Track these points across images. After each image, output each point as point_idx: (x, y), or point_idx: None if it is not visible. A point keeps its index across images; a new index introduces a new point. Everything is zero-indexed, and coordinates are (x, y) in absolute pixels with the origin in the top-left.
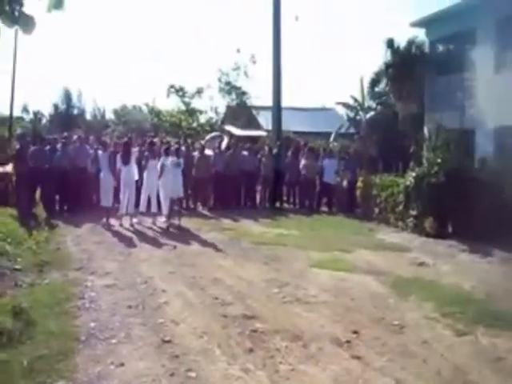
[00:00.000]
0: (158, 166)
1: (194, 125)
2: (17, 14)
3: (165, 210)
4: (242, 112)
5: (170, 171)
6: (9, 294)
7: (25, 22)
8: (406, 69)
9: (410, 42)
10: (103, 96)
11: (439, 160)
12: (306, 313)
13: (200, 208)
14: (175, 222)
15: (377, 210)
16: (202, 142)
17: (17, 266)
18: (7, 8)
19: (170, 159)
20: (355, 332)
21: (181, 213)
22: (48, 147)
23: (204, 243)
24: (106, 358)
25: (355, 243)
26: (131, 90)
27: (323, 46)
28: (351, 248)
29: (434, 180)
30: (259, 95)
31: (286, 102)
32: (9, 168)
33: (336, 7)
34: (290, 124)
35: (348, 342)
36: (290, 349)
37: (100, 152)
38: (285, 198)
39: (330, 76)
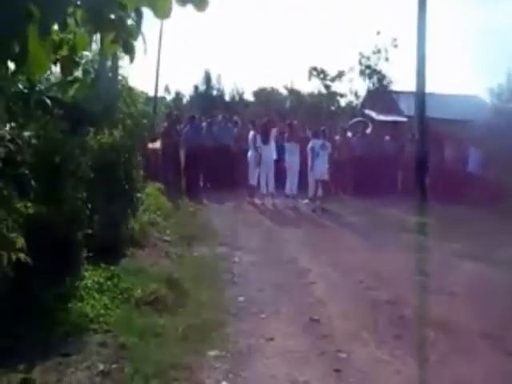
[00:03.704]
0: (308, 149)
1: (334, 108)
2: None
3: (310, 191)
4: (382, 96)
5: (317, 154)
6: (161, 264)
7: (198, 0)
8: None
9: None
10: (242, 78)
11: None
12: (454, 303)
13: (340, 191)
14: (318, 204)
15: None
16: (345, 126)
17: (166, 238)
18: None
19: (318, 142)
20: (508, 328)
21: (324, 196)
22: (194, 126)
23: (346, 227)
24: (256, 331)
25: (498, 238)
26: (270, 72)
27: (471, 32)
28: (494, 241)
29: None
30: (400, 80)
31: (428, 88)
32: (157, 145)
33: None
34: (433, 110)
35: (501, 336)
36: (438, 338)
37: (251, 132)
38: (427, 186)
39: (476, 63)
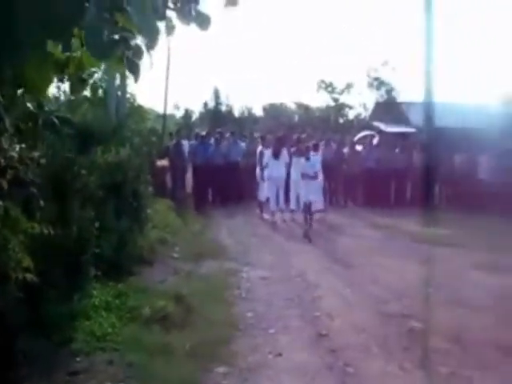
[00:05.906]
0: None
1: (342, 120)
2: (193, 12)
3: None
4: (390, 108)
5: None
6: (169, 281)
7: (201, 20)
8: None
9: None
10: (251, 93)
11: None
12: (466, 316)
13: (350, 204)
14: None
15: None
16: (354, 139)
17: (175, 254)
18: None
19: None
20: None
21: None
22: (202, 143)
23: (357, 240)
24: (265, 347)
25: None
26: (278, 87)
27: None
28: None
29: None
30: (409, 90)
31: (438, 97)
32: (165, 162)
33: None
34: (443, 119)
35: None
36: (448, 351)
37: (259, 147)
38: (437, 196)
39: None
